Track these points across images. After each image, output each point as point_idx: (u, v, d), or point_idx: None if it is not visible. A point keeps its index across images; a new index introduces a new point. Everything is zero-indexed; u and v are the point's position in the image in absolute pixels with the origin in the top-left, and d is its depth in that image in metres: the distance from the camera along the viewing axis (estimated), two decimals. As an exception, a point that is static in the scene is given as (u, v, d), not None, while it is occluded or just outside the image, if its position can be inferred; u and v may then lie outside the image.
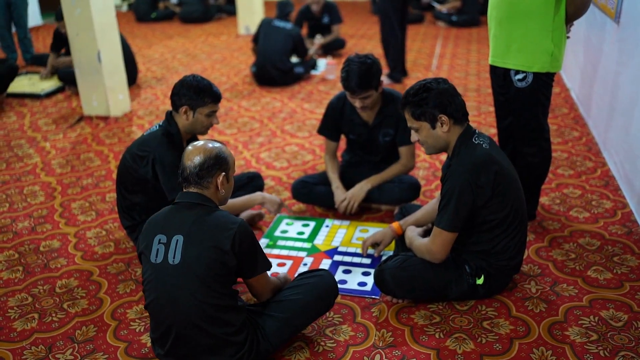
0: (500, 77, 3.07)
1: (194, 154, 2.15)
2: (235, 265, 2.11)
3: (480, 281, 2.54)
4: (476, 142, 2.45)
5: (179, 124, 2.87)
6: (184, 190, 2.18)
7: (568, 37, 3.00)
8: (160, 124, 2.90)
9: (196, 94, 2.78)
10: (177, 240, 2.08)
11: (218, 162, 2.16)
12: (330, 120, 3.45)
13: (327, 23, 7.16)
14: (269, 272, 2.30)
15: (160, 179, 2.80)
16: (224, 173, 2.18)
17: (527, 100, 2.97)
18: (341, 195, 3.32)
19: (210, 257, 2.05)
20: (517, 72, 2.94)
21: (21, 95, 6.00)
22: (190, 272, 2.05)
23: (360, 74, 3.09)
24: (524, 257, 2.90)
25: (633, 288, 2.65)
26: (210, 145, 2.17)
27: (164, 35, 9.04)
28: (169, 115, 2.88)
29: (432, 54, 7.15)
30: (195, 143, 2.19)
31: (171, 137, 2.84)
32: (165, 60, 7.38)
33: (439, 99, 2.41)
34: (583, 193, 3.52)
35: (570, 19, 2.89)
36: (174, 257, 2.07)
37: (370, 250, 3.01)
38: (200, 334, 2.08)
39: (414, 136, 2.56)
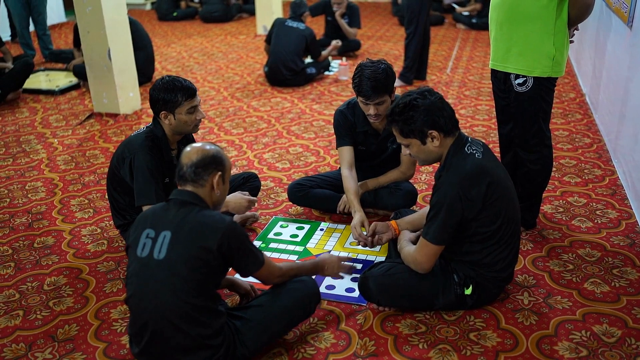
0: (500, 81, 2.99)
1: (192, 152, 2.17)
2: (221, 265, 2.10)
3: (468, 291, 2.46)
4: (468, 152, 2.35)
5: (165, 128, 2.85)
6: (179, 188, 2.18)
7: (571, 42, 2.91)
8: (149, 125, 2.89)
9: (167, 95, 2.74)
10: (165, 236, 2.08)
11: (214, 162, 2.17)
12: (345, 130, 3.21)
13: (346, 22, 7.13)
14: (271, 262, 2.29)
15: (134, 181, 2.78)
16: (220, 173, 2.18)
17: (527, 105, 2.88)
18: (359, 219, 2.94)
19: (194, 256, 2.04)
20: (517, 76, 2.85)
21: (37, 91, 6.07)
22: (173, 269, 2.04)
23: (374, 77, 2.92)
24: (519, 266, 2.82)
25: (630, 302, 2.55)
26: (208, 146, 2.20)
27: (184, 34, 9.08)
28: (156, 118, 2.86)
29: (449, 57, 7.05)
30: (193, 144, 2.22)
31: (155, 141, 2.82)
32: (181, 59, 7.41)
33: (427, 115, 2.31)
34: (588, 202, 3.41)
35: (573, 23, 2.79)
36: (159, 252, 2.07)
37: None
38: (175, 332, 2.06)
39: (404, 151, 2.48)
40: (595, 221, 3.21)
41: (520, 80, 2.85)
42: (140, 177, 2.75)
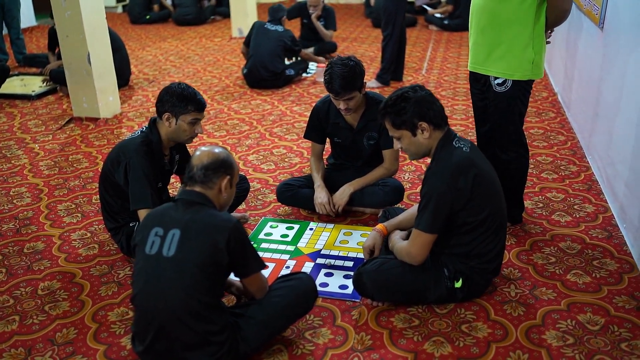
0: (479, 82, 3.09)
1: (203, 155, 2.24)
2: (228, 264, 2.16)
3: (458, 284, 2.56)
4: (456, 146, 2.48)
5: (162, 132, 2.89)
6: (188, 188, 2.24)
7: (548, 43, 3.03)
8: (143, 129, 2.92)
9: (179, 100, 2.80)
10: (174, 234, 2.13)
11: (224, 166, 2.24)
12: (316, 123, 3.47)
13: (322, 24, 7.22)
14: (264, 272, 2.37)
15: (129, 186, 2.81)
16: (228, 177, 2.25)
17: (504, 106, 2.99)
18: (321, 194, 3.35)
19: (204, 254, 2.10)
20: (497, 77, 2.96)
21: (12, 96, 6.01)
22: (182, 266, 2.10)
23: (343, 75, 3.11)
24: (504, 260, 2.92)
25: (611, 292, 2.67)
26: (218, 150, 2.28)
27: (158, 37, 9.05)
28: (152, 123, 2.90)
29: (423, 58, 7.18)
30: (205, 147, 2.28)
31: (150, 145, 2.86)
32: (157, 62, 7.39)
33: (418, 106, 2.44)
34: (566, 197, 3.55)
35: (550, 26, 2.92)
36: (168, 250, 2.12)
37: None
38: (182, 328, 2.11)
39: (396, 144, 2.58)
40: (574, 215, 3.34)
41: (499, 81, 2.96)
42: (137, 182, 2.78)
